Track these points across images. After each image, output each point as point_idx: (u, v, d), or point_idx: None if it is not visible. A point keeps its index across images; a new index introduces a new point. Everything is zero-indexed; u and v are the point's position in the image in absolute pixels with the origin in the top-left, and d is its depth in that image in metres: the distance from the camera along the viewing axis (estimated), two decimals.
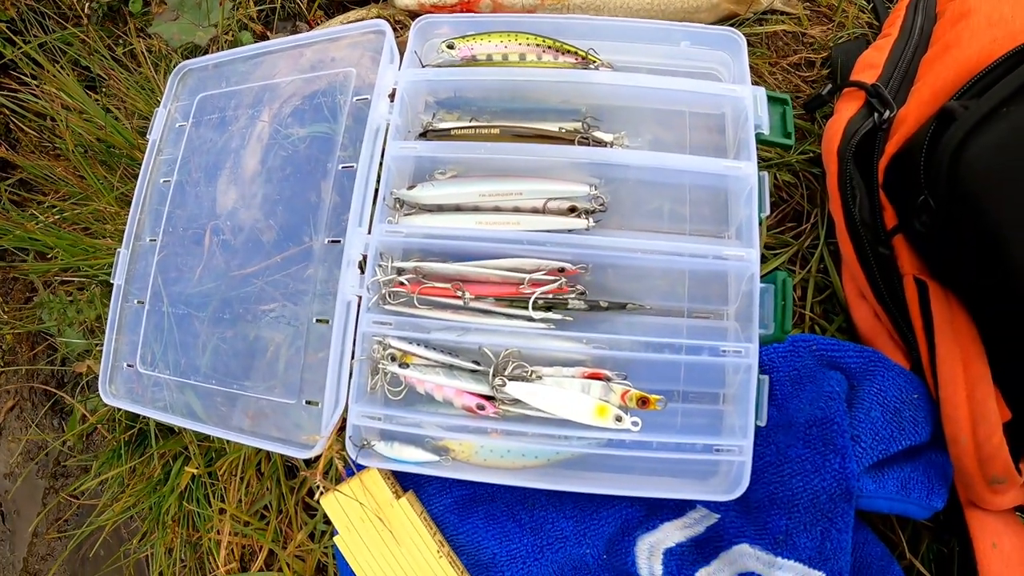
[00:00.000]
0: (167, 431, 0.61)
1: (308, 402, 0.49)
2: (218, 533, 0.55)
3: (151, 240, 0.59)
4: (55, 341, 0.66)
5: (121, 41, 0.72)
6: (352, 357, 0.46)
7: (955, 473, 0.48)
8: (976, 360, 0.46)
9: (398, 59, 0.53)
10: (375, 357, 0.46)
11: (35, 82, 0.71)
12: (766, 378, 0.44)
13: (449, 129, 0.49)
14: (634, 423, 0.44)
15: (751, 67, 0.53)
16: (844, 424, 0.46)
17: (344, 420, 0.46)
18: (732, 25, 0.61)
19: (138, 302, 0.58)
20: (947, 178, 0.42)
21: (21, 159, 0.70)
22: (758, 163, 0.46)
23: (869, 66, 0.55)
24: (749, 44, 0.54)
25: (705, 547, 0.48)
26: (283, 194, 0.54)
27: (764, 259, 0.55)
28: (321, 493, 0.48)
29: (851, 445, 0.45)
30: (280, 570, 0.53)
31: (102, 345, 0.57)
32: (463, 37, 0.51)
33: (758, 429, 0.44)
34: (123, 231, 0.59)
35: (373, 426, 0.45)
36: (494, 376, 0.44)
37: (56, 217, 0.66)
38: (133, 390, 0.57)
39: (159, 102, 0.62)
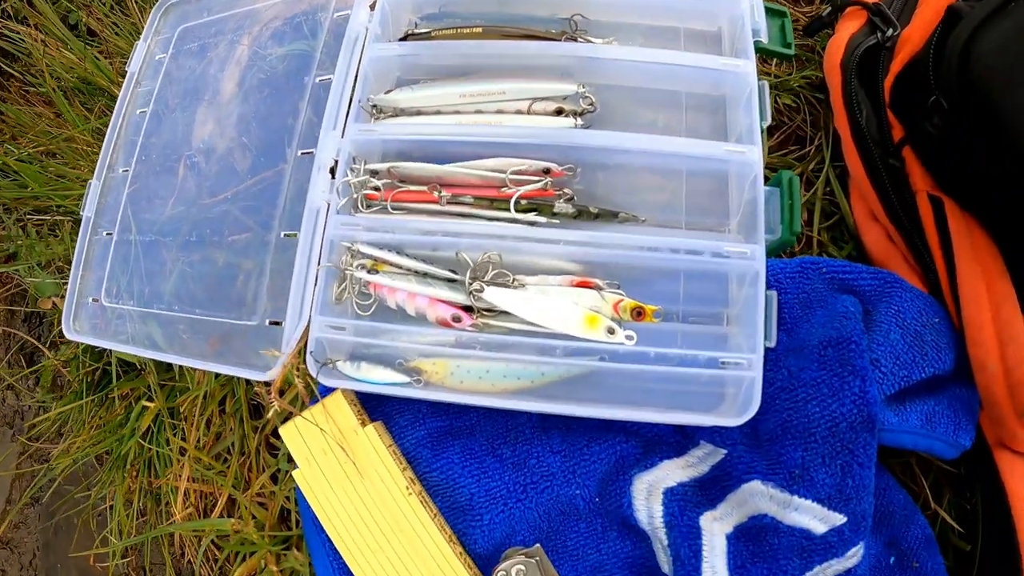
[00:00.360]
0: (130, 368, 0.53)
1: (272, 323, 0.41)
2: (177, 478, 0.47)
3: (124, 171, 0.53)
4: (24, 281, 0.59)
5: None
6: (318, 264, 0.39)
7: (983, 407, 0.40)
8: (1000, 279, 0.39)
9: None
10: (342, 266, 0.39)
11: (18, 22, 0.65)
12: (774, 294, 0.37)
13: (430, 31, 0.43)
14: (628, 336, 0.36)
15: None
16: (863, 343, 0.38)
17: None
18: None
19: (107, 234, 0.51)
20: (958, 75, 0.37)
21: (4, 105, 0.64)
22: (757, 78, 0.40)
23: None
24: None
25: (710, 489, 0.40)
26: (258, 113, 0.48)
27: (766, 179, 0.48)
28: (278, 416, 0.40)
29: (871, 368, 0.38)
30: (241, 518, 0.45)
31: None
32: None
33: (767, 352, 0.36)
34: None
35: (338, 338, 0.38)
36: (472, 281, 0.36)
37: (32, 148, 0.60)
38: (96, 325, 0.50)
39: None
